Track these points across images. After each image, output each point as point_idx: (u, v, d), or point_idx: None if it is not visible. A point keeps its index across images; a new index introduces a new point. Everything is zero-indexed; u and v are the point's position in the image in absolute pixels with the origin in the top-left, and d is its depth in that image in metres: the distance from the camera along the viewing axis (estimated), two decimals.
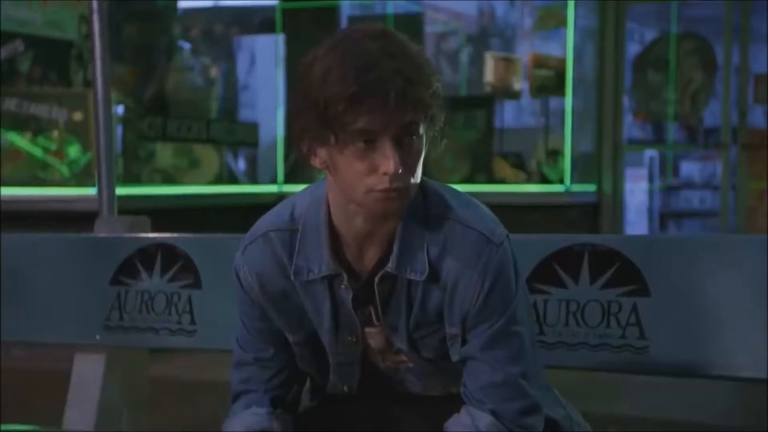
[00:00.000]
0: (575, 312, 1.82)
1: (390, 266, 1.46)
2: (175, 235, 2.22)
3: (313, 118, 1.36)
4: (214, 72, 6.83)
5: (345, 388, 1.58)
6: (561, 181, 6.17)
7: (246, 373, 1.57)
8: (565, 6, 6.14)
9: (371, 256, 1.47)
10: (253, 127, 6.66)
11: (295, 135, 1.42)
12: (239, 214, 5.80)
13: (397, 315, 1.49)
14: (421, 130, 1.38)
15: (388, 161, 1.35)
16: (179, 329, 2.14)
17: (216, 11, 7.58)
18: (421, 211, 1.47)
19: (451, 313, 1.47)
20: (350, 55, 1.35)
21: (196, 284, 2.14)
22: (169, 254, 2.18)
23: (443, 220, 1.47)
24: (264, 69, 7.15)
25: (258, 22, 7.46)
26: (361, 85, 1.33)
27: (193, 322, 2.13)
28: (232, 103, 7.28)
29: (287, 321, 1.54)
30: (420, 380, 1.57)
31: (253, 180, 7.03)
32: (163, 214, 4.31)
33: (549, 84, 6.49)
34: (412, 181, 1.39)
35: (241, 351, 1.58)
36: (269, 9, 6.79)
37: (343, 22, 6.95)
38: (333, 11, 6.96)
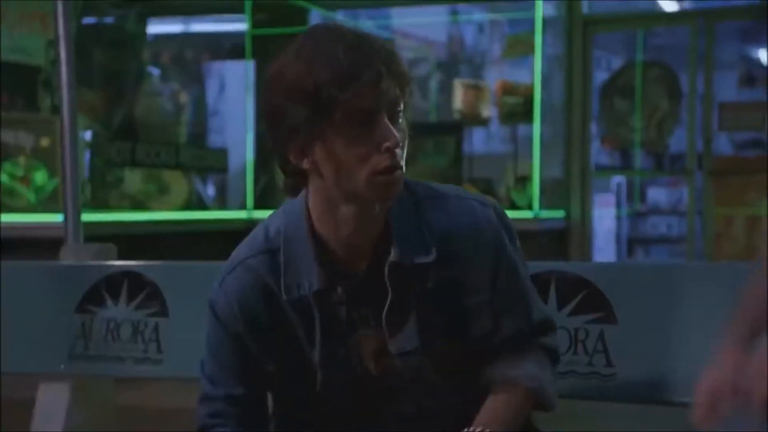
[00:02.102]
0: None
1: (393, 256, 1.43)
2: (141, 262, 2.21)
3: (304, 112, 1.34)
4: (184, 97, 6.81)
5: (331, 406, 1.55)
6: (530, 207, 6.21)
7: (215, 408, 1.54)
8: (533, 34, 6.20)
9: (364, 255, 1.45)
10: (222, 153, 6.65)
11: (280, 142, 1.40)
12: (209, 240, 5.79)
13: (405, 309, 1.46)
14: (401, 108, 1.39)
15: (387, 135, 1.35)
16: (145, 358, 2.12)
17: (186, 37, 7.58)
18: (408, 198, 1.47)
19: (473, 282, 1.47)
20: (328, 44, 1.35)
21: (163, 312, 2.12)
22: (136, 282, 2.16)
23: (436, 199, 1.48)
24: (234, 95, 7.15)
25: (228, 48, 7.47)
26: (351, 63, 1.33)
27: (159, 350, 2.11)
28: (201, 129, 7.27)
29: (269, 349, 1.50)
30: (411, 391, 1.53)
31: (223, 206, 7.00)
32: (132, 240, 4.29)
33: (517, 111, 6.55)
34: (403, 163, 1.39)
35: (210, 386, 1.54)
36: (239, 35, 6.80)
37: None
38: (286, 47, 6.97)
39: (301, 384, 1.52)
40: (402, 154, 1.38)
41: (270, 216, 1.53)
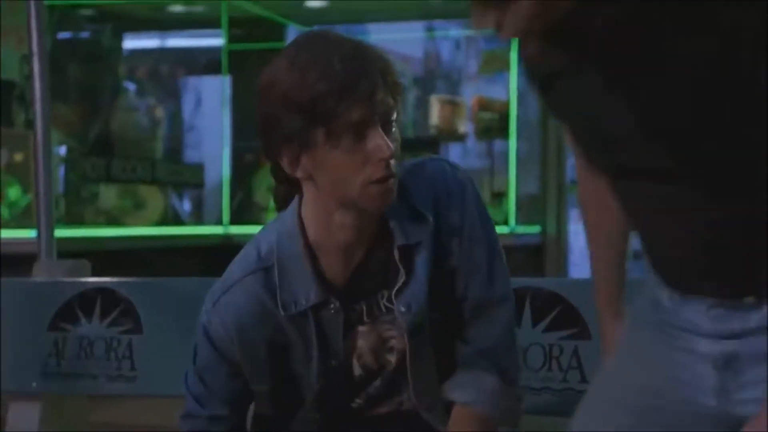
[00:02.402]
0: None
1: (399, 239, 1.43)
2: (115, 279, 2.19)
3: (298, 122, 1.34)
4: (160, 112, 6.80)
5: (318, 416, 1.54)
6: (506, 223, 6.23)
7: (198, 426, 1.53)
8: (509, 50, 6.25)
9: (359, 253, 1.45)
10: (198, 168, 6.63)
11: (271, 148, 1.39)
12: (185, 256, 5.76)
13: (413, 286, 1.45)
14: (395, 118, 1.40)
15: (382, 146, 1.35)
16: (119, 375, 2.10)
17: (162, 52, 7.56)
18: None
19: (449, 244, 1.47)
20: (323, 54, 1.35)
21: (137, 329, 2.10)
22: (110, 299, 2.14)
23: (413, 169, 1.48)
24: (210, 110, 7.14)
25: (204, 63, 7.46)
26: (348, 76, 1.33)
27: (133, 368, 2.10)
28: (177, 144, 7.25)
29: (263, 369, 1.50)
30: (406, 384, 1.52)
31: (199, 221, 6.98)
32: (107, 256, 4.26)
33: (493, 126, 6.59)
34: (398, 167, 1.40)
35: (195, 404, 1.53)
36: (215, 50, 6.80)
37: None
38: (279, 53, 6.99)
39: (293, 399, 1.52)
40: (396, 164, 1.39)
41: (259, 233, 1.53)
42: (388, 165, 1.36)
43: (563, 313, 1.83)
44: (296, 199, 1.46)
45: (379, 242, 1.44)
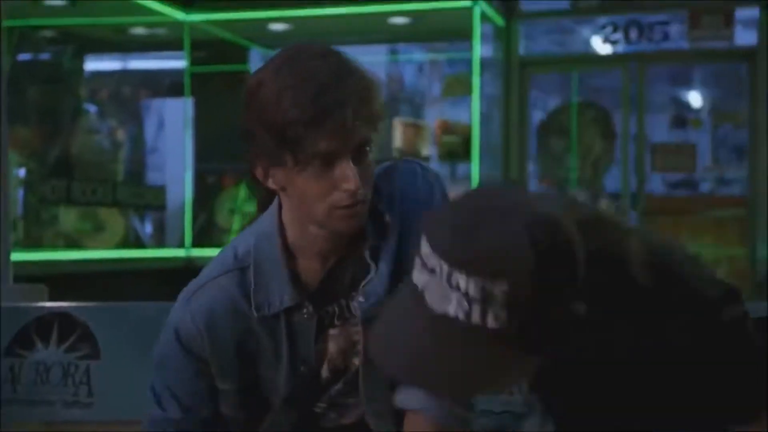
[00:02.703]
0: None
1: (371, 241, 1.45)
2: (73, 303, 2.17)
3: (269, 140, 1.34)
4: (121, 134, 6.76)
5: (285, 421, 1.54)
6: None
7: (160, 428, 1.51)
8: (472, 74, 6.30)
9: (336, 257, 1.47)
10: (160, 190, 6.59)
11: (248, 159, 1.40)
12: (146, 279, 5.71)
13: (375, 280, 1.47)
14: (372, 144, 1.40)
15: (349, 180, 1.35)
16: (75, 401, 2.07)
17: (124, 74, 7.53)
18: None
19: (413, 241, 1.47)
20: (302, 77, 1.34)
21: (95, 355, 2.08)
22: (67, 323, 2.12)
23: (385, 170, 1.50)
24: (172, 132, 7.11)
25: (167, 85, 7.43)
26: (319, 108, 1.32)
27: (90, 393, 2.07)
28: (139, 166, 7.20)
29: (229, 368, 1.49)
30: (373, 389, 1.52)
31: (161, 244, 6.92)
32: (66, 279, 4.21)
33: (456, 150, 6.63)
34: (369, 193, 1.41)
35: (158, 408, 1.52)
36: (178, 72, 6.78)
37: None
38: (242, 75, 7.00)
39: (259, 402, 1.51)
40: (368, 188, 1.40)
41: (237, 237, 1.54)
42: (354, 194, 1.36)
43: None
44: (276, 201, 1.46)
45: (353, 244, 1.46)
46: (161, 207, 6.62)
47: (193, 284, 1.50)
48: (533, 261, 1.01)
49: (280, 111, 1.33)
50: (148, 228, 7.04)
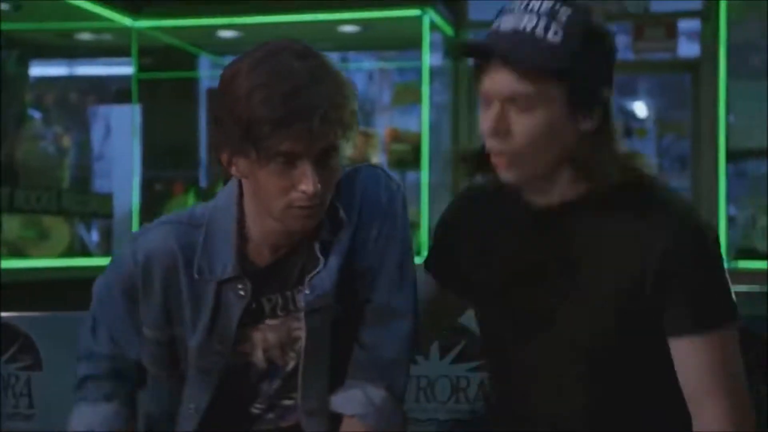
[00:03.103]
0: (425, 388, 1.84)
1: (323, 235, 1.48)
2: (14, 313, 2.13)
3: (235, 132, 1.37)
4: (67, 141, 6.65)
5: (192, 406, 1.53)
6: (418, 253, 6.27)
7: (93, 365, 1.56)
8: (421, 83, 6.33)
9: (287, 248, 1.49)
10: (107, 198, 6.50)
11: (214, 143, 1.43)
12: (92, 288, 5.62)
13: (322, 274, 1.49)
14: (340, 149, 1.42)
15: (308, 181, 1.38)
16: (15, 413, 2.04)
17: (70, 80, 7.42)
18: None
19: (365, 246, 1.51)
20: (276, 76, 1.36)
21: (36, 366, 2.05)
22: (8, 334, 2.08)
23: (350, 173, 1.53)
24: (120, 138, 7.02)
25: (114, 91, 7.35)
26: (288, 109, 1.34)
27: (31, 405, 2.04)
28: (85, 173, 7.10)
29: (156, 315, 1.51)
30: (288, 381, 1.53)
31: (107, 252, 6.83)
32: (9, 289, 4.12)
33: (406, 158, 6.64)
34: (329, 196, 1.44)
35: (92, 340, 1.57)
36: (125, 78, 6.70)
37: (202, 94, 6.92)
38: (191, 82, 6.94)
39: (172, 358, 1.53)
40: (327, 191, 1.42)
41: (202, 203, 1.57)
42: (311, 196, 1.38)
43: (470, 345, 1.85)
44: (236, 182, 1.49)
45: (306, 238, 1.49)
46: (108, 215, 6.53)
47: (143, 227, 1.56)
48: (590, 14, 1.44)
49: (250, 107, 1.35)
50: (95, 236, 6.94)
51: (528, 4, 1.43)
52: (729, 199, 5.82)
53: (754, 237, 5.49)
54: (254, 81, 1.36)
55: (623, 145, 1.51)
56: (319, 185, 1.38)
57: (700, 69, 6.09)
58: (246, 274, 1.48)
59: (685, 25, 6.20)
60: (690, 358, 1.43)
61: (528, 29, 1.41)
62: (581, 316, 1.46)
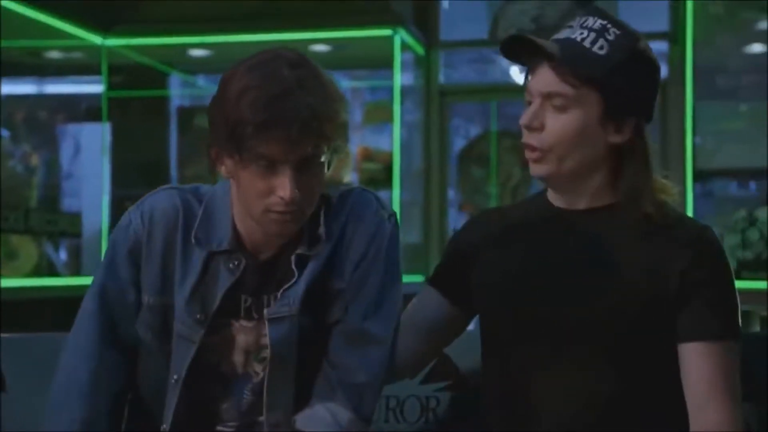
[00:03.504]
0: (395, 408, 1.84)
1: (301, 249, 1.50)
2: None
3: (223, 132, 1.41)
4: (36, 160, 6.59)
5: (175, 376, 1.53)
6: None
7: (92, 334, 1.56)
8: (392, 102, 6.35)
9: (269, 254, 1.52)
10: (76, 217, 6.45)
11: (208, 142, 1.48)
12: (60, 308, 5.56)
13: (295, 287, 1.50)
14: (323, 158, 1.45)
15: (285, 187, 1.40)
16: None
17: (39, 98, 7.36)
18: (320, 198, 1.53)
19: (342, 266, 1.52)
20: (266, 80, 1.40)
21: (0, 387, 2.01)
22: None
23: (345, 192, 1.55)
24: (89, 157, 6.98)
25: (83, 109, 7.30)
26: (271, 114, 1.38)
27: None
28: (54, 192, 7.03)
29: (154, 279, 1.53)
30: (260, 395, 1.53)
31: (76, 272, 6.76)
32: None
33: (377, 177, 6.65)
34: (309, 205, 1.46)
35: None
36: (95, 97, 6.66)
37: (172, 112, 6.90)
38: (161, 100, 6.92)
39: (163, 326, 1.54)
40: (307, 198, 1.44)
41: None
42: (289, 203, 1.41)
43: (439, 365, 1.85)
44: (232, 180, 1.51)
45: (289, 248, 1.51)
46: (77, 234, 6.47)
47: (148, 193, 1.59)
48: (638, 40, 1.60)
49: (237, 109, 1.39)
50: (63, 255, 6.87)
51: (585, 22, 1.58)
52: (696, 219, 5.88)
53: None
54: (244, 84, 1.41)
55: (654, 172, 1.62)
56: (297, 192, 1.41)
57: (668, 90, 6.17)
58: (242, 249, 1.51)
59: (652, 46, 6.27)
60: (702, 362, 1.51)
61: (578, 40, 1.56)
62: (600, 318, 1.52)
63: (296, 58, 1.45)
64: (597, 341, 1.52)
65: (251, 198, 1.44)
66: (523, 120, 1.57)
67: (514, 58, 1.62)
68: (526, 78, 1.60)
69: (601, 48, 1.55)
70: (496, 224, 1.68)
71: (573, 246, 1.57)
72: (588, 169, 1.57)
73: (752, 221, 5.48)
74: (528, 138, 1.57)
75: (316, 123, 1.40)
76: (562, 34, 1.59)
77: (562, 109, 1.54)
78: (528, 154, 1.58)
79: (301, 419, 1.48)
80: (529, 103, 1.59)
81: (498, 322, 1.59)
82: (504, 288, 1.59)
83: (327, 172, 1.49)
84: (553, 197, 1.64)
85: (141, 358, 1.58)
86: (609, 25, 1.57)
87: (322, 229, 1.51)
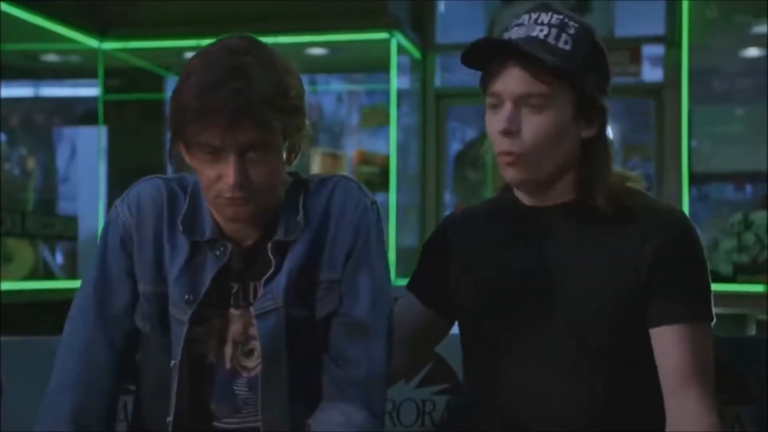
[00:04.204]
0: (391, 411, 1.84)
1: (278, 235, 1.49)
2: None
3: (170, 119, 1.44)
4: (32, 163, 6.59)
5: (173, 362, 1.53)
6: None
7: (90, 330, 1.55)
8: (389, 105, 6.35)
9: (250, 242, 1.51)
10: (72, 220, 6.44)
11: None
12: (57, 311, 5.56)
13: (280, 278, 1.49)
14: (276, 144, 1.43)
15: (228, 174, 1.40)
16: None
17: (36, 101, 7.36)
18: (300, 185, 1.54)
19: (332, 256, 1.50)
20: (204, 68, 1.40)
21: None
22: None
23: (323, 182, 1.55)
24: (85, 160, 6.97)
25: (80, 113, 7.29)
26: (203, 102, 1.38)
27: None
28: (51, 195, 7.02)
29: (148, 267, 1.53)
30: (254, 389, 1.52)
31: (72, 275, 6.75)
32: None
33: (374, 179, 6.65)
34: (263, 191, 1.43)
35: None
36: (91, 100, 6.66)
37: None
38: (158, 104, 6.91)
39: (161, 314, 1.53)
40: (258, 186, 1.42)
41: None
42: (235, 189, 1.40)
43: (436, 369, 1.85)
44: None
45: (268, 235, 1.50)
46: (73, 237, 6.46)
47: (132, 185, 1.59)
48: (594, 31, 1.58)
49: (178, 97, 1.41)
50: (59, 258, 6.86)
51: (538, 17, 1.55)
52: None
53: (717, 260, 5.55)
54: (186, 72, 1.42)
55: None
56: (244, 178, 1.40)
57: (663, 93, 6.17)
58: (226, 239, 1.51)
59: (648, 50, 6.29)
60: (674, 346, 1.50)
61: (541, 37, 1.53)
62: (577, 314, 1.52)
63: (240, 45, 1.43)
64: (582, 340, 1.51)
65: (204, 185, 1.46)
66: (501, 126, 1.52)
67: (472, 64, 1.58)
68: (486, 82, 1.56)
69: (566, 43, 1.54)
70: (467, 227, 1.66)
71: (545, 246, 1.56)
72: (561, 168, 1.56)
73: (748, 224, 5.48)
74: (503, 144, 1.53)
75: (251, 111, 1.38)
76: (518, 32, 1.55)
77: (538, 110, 1.51)
78: (503, 159, 1.54)
79: (315, 422, 1.47)
80: (494, 107, 1.55)
81: (476, 328, 1.58)
82: (480, 295, 1.58)
83: (295, 158, 1.49)
84: (520, 195, 1.62)
85: (142, 353, 1.57)
86: (566, 20, 1.56)
87: (300, 216, 1.50)
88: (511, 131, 1.52)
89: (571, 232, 1.55)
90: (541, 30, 1.54)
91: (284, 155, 1.47)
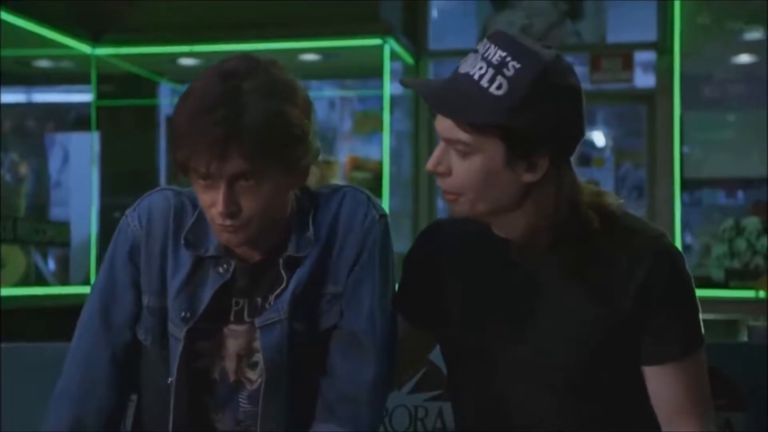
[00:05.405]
0: (383, 417, 1.84)
1: (290, 250, 1.48)
2: None
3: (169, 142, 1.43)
4: (24, 168, 6.58)
5: (171, 379, 1.52)
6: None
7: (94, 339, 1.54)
8: (382, 111, 6.36)
9: (259, 257, 1.50)
10: (64, 226, 6.42)
11: None
12: (49, 317, 5.54)
13: (285, 292, 1.48)
14: (269, 174, 1.39)
15: (217, 203, 1.39)
16: None
17: (28, 107, 7.35)
18: (308, 199, 1.52)
19: (337, 270, 1.49)
20: (202, 91, 1.38)
21: None
22: None
23: (332, 194, 1.53)
24: (78, 166, 6.96)
25: (72, 118, 7.29)
26: (191, 128, 1.36)
27: None
28: (43, 201, 7.01)
29: (154, 279, 1.52)
30: (258, 405, 1.52)
31: (64, 281, 6.74)
32: None
33: (367, 186, 6.64)
34: (255, 219, 1.42)
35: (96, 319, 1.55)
36: (84, 106, 6.65)
37: (161, 121, 6.89)
38: (151, 109, 6.91)
39: (161, 334, 1.53)
40: (250, 215, 1.41)
41: None
42: (224, 218, 1.39)
43: (428, 375, 1.86)
44: None
45: (278, 250, 1.49)
46: (65, 243, 6.44)
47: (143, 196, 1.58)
48: (542, 71, 1.42)
49: (175, 117, 1.39)
50: (51, 264, 6.85)
51: (486, 51, 1.45)
52: (684, 228, 5.92)
53: (708, 266, 5.57)
54: (187, 92, 1.40)
55: (581, 182, 1.53)
56: (233, 208, 1.39)
57: (656, 100, 6.19)
58: (230, 256, 1.50)
59: (640, 56, 6.31)
60: (669, 382, 1.48)
61: (476, 77, 1.43)
62: (553, 345, 1.49)
63: (239, 69, 1.40)
64: (562, 372, 1.49)
65: (203, 207, 1.46)
66: (428, 165, 1.47)
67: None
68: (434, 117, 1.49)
69: (498, 87, 1.41)
70: (446, 247, 1.60)
71: (521, 280, 1.51)
72: (507, 208, 1.48)
73: (739, 231, 5.50)
74: (439, 181, 1.49)
75: (242, 140, 1.35)
76: (465, 65, 1.47)
77: (463, 155, 1.44)
78: (444, 196, 1.50)
79: None
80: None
81: (456, 353, 1.57)
82: (456, 324, 1.55)
83: (312, 181, 1.49)
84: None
85: (143, 365, 1.57)
86: (508, 58, 1.42)
87: (310, 232, 1.49)
88: (438, 172, 1.48)
89: (545, 266, 1.49)
90: (481, 68, 1.43)
91: (288, 180, 1.44)
